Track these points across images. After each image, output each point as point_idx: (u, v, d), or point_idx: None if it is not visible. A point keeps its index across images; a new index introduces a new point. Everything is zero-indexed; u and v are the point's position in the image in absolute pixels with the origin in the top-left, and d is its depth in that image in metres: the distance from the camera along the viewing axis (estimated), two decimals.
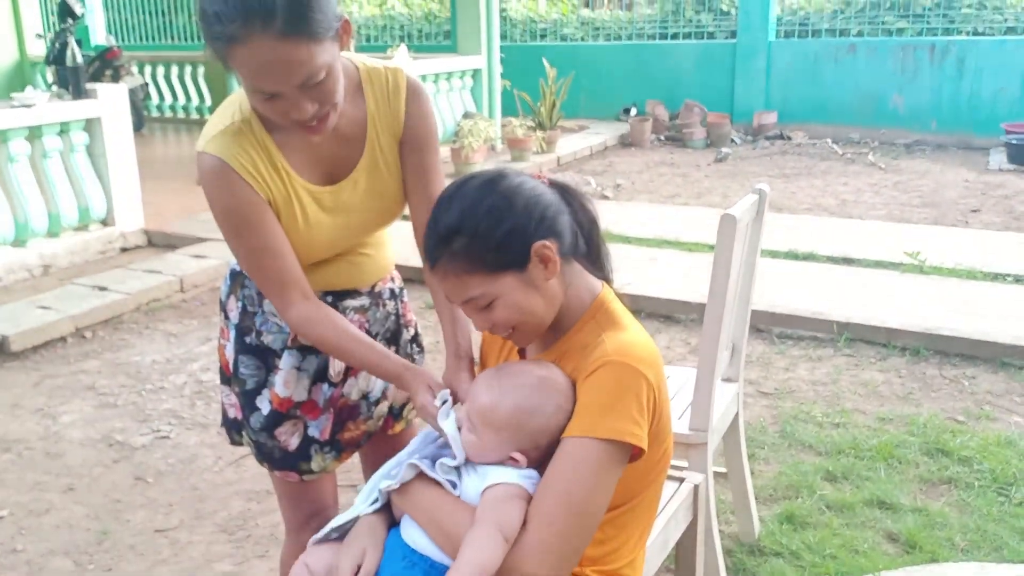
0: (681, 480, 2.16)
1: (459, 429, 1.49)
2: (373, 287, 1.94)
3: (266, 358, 1.86)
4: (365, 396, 1.96)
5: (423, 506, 1.46)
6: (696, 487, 2.16)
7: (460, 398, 1.60)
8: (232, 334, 1.90)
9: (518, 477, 1.42)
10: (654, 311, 4.91)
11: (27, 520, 3.11)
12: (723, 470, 2.81)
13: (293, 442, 1.88)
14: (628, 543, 1.53)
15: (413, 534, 1.47)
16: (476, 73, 9.72)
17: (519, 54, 11.31)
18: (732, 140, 10.33)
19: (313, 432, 1.90)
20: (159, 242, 6.43)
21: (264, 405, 1.87)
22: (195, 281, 5.55)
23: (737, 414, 2.73)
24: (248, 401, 1.88)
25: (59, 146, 5.95)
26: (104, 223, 6.30)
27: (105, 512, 3.16)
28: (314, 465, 1.92)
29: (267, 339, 1.85)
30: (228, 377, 1.94)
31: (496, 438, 1.44)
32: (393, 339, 2.01)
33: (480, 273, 1.43)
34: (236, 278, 1.90)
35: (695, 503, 2.16)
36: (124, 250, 6.36)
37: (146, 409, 3.97)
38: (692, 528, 2.17)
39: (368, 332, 1.92)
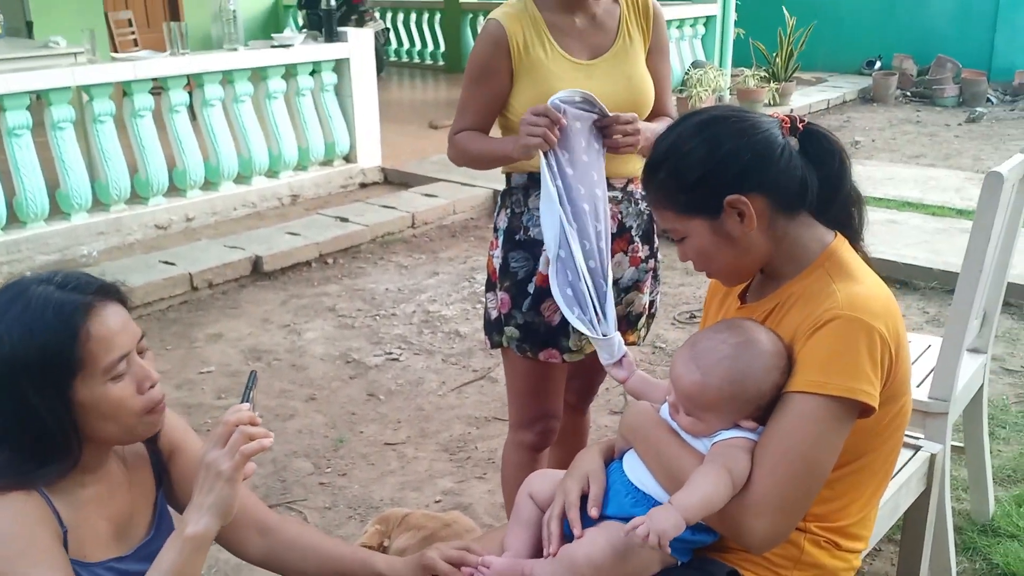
0: (917, 448, 2.07)
1: (671, 415, 1.48)
2: (626, 185, 2.07)
3: (533, 249, 2.08)
4: (616, 281, 2.09)
5: (651, 441, 1.46)
6: (932, 457, 2.06)
7: None
8: (501, 240, 2.14)
9: (746, 433, 1.40)
10: (891, 275, 4.61)
11: (274, 423, 3.43)
12: (960, 445, 2.64)
13: (556, 318, 2.05)
14: (857, 501, 1.48)
15: (638, 472, 1.48)
16: (709, 21, 9.37)
17: (757, 2, 10.78)
18: (988, 99, 9.46)
19: None
20: (394, 179, 6.78)
21: (532, 289, 2.09)
22: (425, 218, 5.83)
23: (981, 387, 2.55)
24: (520, 290, 2.10)
25: (311, 85, 6.37)
26: (347, 159, 6.72)
27: (342, 422, 3.44)
28: (572, 343, 2.08)
29: (533, 232, 2.08)
30: (494, 283, 2.15)
31: (715, 415, 1.40)
32: (646, 239, 2.15)
33: (672, 210, 1.46)
34: (504, 196, 2.14)
35: (929, 473, 2.06)
36: (363, 185, 6.76)
37: (379, 332, 4.25)
38: (924, 499, 2.08)
39: (622, 223, 2.09)
